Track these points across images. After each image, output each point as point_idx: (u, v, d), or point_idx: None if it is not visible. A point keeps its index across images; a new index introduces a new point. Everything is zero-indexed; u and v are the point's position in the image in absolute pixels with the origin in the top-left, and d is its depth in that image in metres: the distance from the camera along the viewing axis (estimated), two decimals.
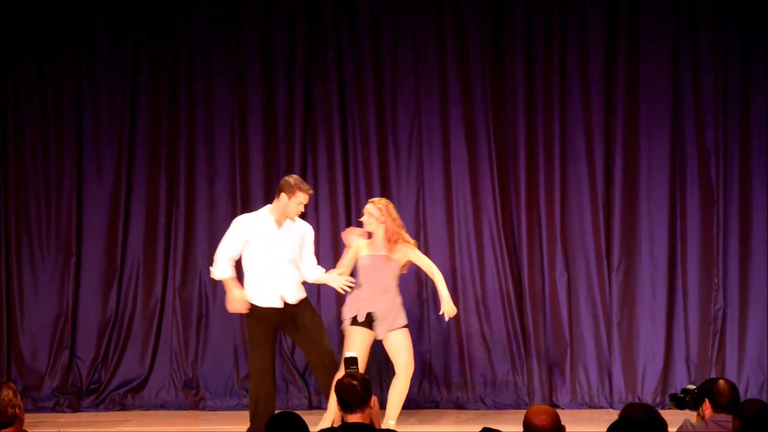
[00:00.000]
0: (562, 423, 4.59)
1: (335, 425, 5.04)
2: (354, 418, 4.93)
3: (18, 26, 9.38)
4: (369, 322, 7.58)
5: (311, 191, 7.75)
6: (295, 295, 7.65)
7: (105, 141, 9.40)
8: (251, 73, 9.30)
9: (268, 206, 7.74)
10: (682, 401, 5.23)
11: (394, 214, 7.69)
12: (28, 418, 5.67)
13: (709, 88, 8.94)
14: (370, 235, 7.71)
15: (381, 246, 7.63)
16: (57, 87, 9.40)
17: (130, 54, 9.35)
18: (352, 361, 5.74)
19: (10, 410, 4.68)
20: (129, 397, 9.28)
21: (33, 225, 9.40)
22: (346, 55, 9.26)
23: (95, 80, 9.39)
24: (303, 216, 7.81)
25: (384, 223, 7.62)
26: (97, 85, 9.40)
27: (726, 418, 5.01)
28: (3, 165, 9.41)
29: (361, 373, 5.18)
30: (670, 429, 4.66)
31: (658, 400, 8.78)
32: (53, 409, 9.17)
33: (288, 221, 7.64)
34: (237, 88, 9.30)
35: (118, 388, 9.30)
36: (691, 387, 5.25)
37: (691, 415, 5.28)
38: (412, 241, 7.78)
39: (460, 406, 9.04)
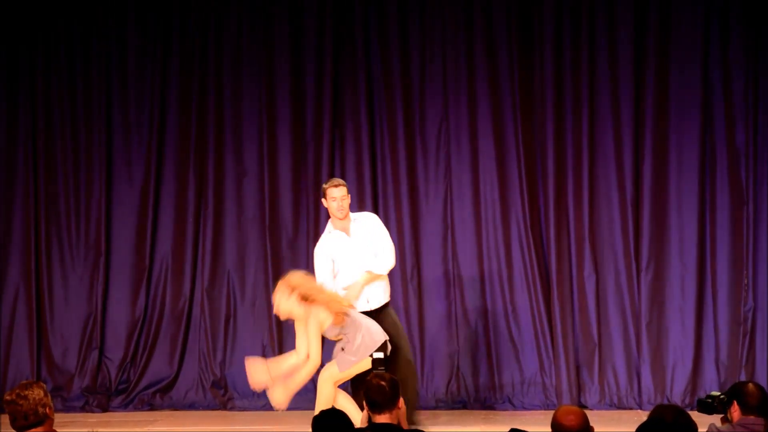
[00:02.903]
0: (591, 424, 4.57)
1: (363, 425, 5.03)
2: (382, 418, 4.93)
3: (47, 29, 9.45)
4: None
5: (336, 182, 7.64)
6: (378, 299, 7.65)
7: (134, 141, 9.45)
8: (279, 73, 9.32)
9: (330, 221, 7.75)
10: (709, 406, 5.20)
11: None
12: (58, 417, 5.69)
13: (740, 86, 8.88)
14: None
15: None
16: (86, 88, 9.45)
17: (160, 54, 9.40)
18: (380, 362, 5.75)
19: (40, 409, 4.71)
20: (158, 397, 9.31)
21: (63, 225, 9.46)
22: (374, 56, 9.26)
23: (125, 80, 9.44)
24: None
25: None
26: (127, 84, 9.44)
27: (756, 421, 4.98)
28: (33, 165, 9.47)
29: (389, 374, 5.18)
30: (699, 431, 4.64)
31: (687, 401, 8.73)
32: (83, 409, 9.22)
33: (354, 224, 7.62)
34: (265, 88, 9.33)
35: (146, 388, 9.33)
36: (717, 393, 5.22)
37: (717, 420, 5.25)
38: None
39: (488, 406, 9.02)
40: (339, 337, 7.21)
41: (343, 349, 7.19)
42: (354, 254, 7.58)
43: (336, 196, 7.56)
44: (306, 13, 9.30)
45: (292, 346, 9.22)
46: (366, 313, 7.48)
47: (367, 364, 7.12)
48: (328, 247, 7.63)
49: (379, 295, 7.63)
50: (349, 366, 7.14)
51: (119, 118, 9.45)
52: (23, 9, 9.42)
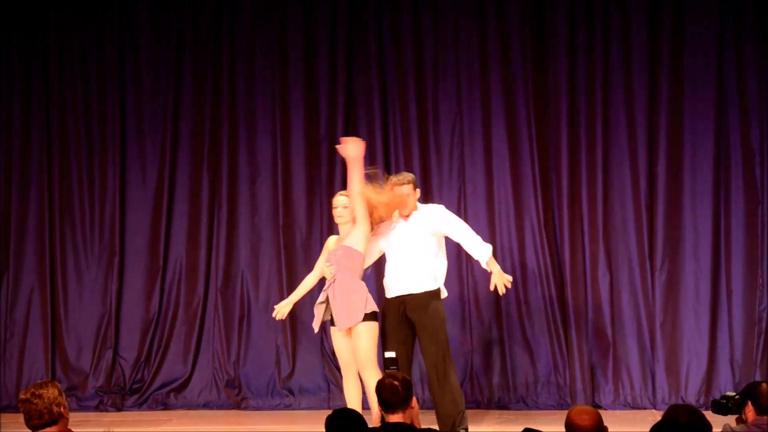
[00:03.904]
0: (605, 424, 4.57)
1: (376, 425, 5.03)
2: (395, 418, 4.93)
3: (61, 26, 9.49)
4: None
5: (400, 180, 7.41)
6: (406, 286, 7.41)
7: (148, 141, 9.47)
8: (293, 74, 9.33)
9: None
10: (724, 407, 5.19)
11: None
12: (73, 416, 5.71)
13: (754, 87, 8.86)
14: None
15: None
16: (101, 87, 9.48)
17: (173, 53, 9.42)
18: (392, 362, 5.75)
19: (55, 409, 4.72)
20: (172, 396, 9.33)
21: (77, 225, 9.49)
22: (388, 55, 9.27)
23: (139, 79, 9.46)
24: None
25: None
26: (141, 84, 9.47)
27: None
28: (48, 166, 9.50)
29: (401, 374, 5.18)
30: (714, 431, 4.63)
31: (702, 401, 8.71)
32: (97, 408, 9.25)
33: (416, 213, 7.45)
34: (279, 89, 9.34)
35: (160, 387, 9.35)
36: (732, 394, 5.21)
37: (731, 421, 5.24)
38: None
39: (502, 406, 9.01)
40: (331, 275, 7.17)
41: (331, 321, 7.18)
42: (399, 237, 7.43)
43: (402, 193, 7.41)
44: (319, 12, 9.31)
45: (306, 347, 9.29)
46: (397, 297, 7.40)
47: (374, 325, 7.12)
48: (384, 228, 7.48)
49: (410, 282, 7.39)
50: (360, 316, 7.05)
51: (133, 117, 9.47)
52: (37, 8, 9.46)
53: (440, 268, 7.52)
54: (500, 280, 7.40)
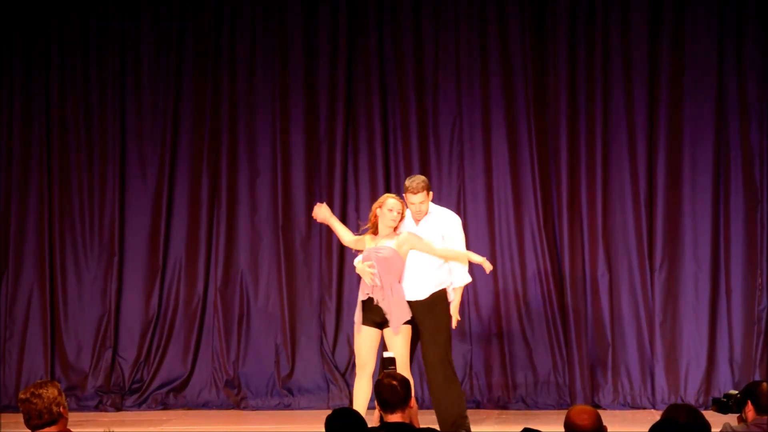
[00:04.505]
0: (604, 423, 4.57)
1: (375, 425, 5.03)
2: (394, 417, 4.94)
3: (62, 25, 9.48)
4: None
5: (415, 188, 7.27)
6: (412, 293, 7.34)
7: (148, 141, 9.47)
8: (293, 74, 9.33)
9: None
10: (725, 405, 5.19)
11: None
12: (72, 416, 5.72)
13: (754, 87, 8.88)
14: (376, 232, 7.38)
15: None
16: (101, 87, 9.47)
17: (174, 54, 9.41)
18: (390, 362, 5.76)
19: (54, 408, 4.72)
20: (171, 396, 9.32)
21: (77, 225, 9.48)
22: (388, 56, 9.27)
23: (139, 79, 9.46)
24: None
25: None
26: (141, 84, 9.46)
27: None
28: (47, 165, 9.49)
29: (400, 373, 5.18)
30: (713, 431, 4.63)
31: (701, 400, 8.72)
32: (96, 408, 9.24)
33: (428, 217, 7.37)
34: (279, 88, 9.34)
35: (160, 387, 9.35)
36: (734, 392, 5.22)
37: (732, 419, 5.24)
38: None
39: (501, 406, 9.02)
40: (371, 273, 7.18)
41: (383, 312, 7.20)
42: None
43: (414, 201, 7.30)
44: (320, 13, 9.31)
45: (305, 346, 9.29)
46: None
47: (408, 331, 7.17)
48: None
49: (414, 288, 7.31)
50: (401, 320, 7.14)
51: (133, 116, 9.47)
52: (39, 6, 9.46)
53: (444, 279, 7.45)
54: (455, 313, 7.42)
